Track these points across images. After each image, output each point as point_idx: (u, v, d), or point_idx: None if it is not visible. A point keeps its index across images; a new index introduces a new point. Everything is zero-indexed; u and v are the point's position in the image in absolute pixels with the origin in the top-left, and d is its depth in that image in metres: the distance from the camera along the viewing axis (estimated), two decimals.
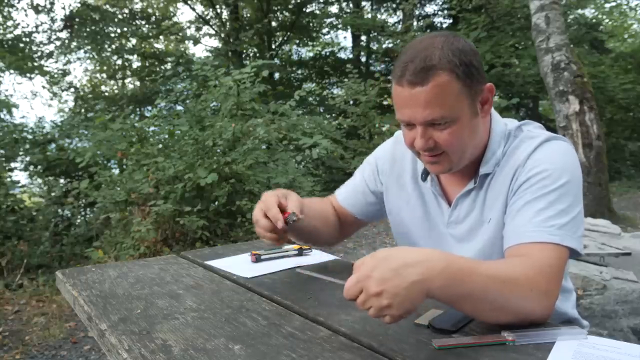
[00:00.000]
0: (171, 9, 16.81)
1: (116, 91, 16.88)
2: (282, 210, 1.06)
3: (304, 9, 16.35)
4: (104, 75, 17.25)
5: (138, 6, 16.31)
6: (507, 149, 1.03)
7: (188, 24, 16.86)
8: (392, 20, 17.12)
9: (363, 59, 16.45)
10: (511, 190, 0.99)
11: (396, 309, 0.72)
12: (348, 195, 1.30)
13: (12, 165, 7.81)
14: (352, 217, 1.30)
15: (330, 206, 1.31)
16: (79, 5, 14.43)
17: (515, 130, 1.06)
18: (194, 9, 16.36)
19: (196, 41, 16.54)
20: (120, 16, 15.32)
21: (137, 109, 14.04)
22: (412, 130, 0.98)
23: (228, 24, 15.89)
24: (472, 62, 0.94)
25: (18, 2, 13.54)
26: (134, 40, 15.92)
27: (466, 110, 0.95)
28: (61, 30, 14.36)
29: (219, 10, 16.24)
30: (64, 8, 22.37)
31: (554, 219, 0.90)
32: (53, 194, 6.84)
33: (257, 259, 1.31)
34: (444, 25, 15.89)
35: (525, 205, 0.94)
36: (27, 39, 13.45)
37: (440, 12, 16.39)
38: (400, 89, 0.94)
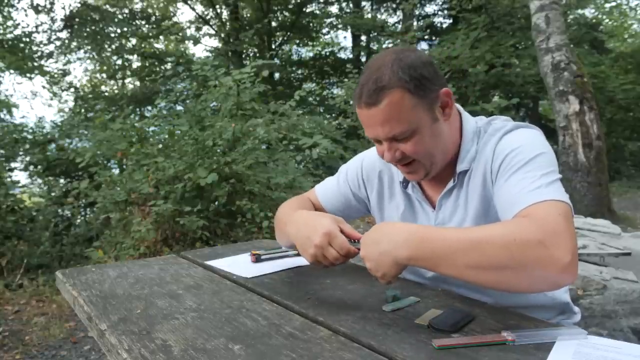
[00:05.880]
0: (171, 9, 16.80)
1: (116, 91, 16.87)
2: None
3: (304, 9, 16.35)
4: (104, 75, 17.25)
5: (138, 6, 16.31)
6: (479, 145, 1.07)
7: (188, 24, 16.88)
8: (392, 20, 17.15)
9: (363, 59, 16.42)
10: (490, 182, 1.02)
11: (375, 271, 0.90)
12: (331, 198, 1.33)
13: (12, 165, 7.82)
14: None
15: (310, 205, 1.33)
16: (79, 5, 14.44)
17: (484, 125, 1.09)
18: (194, 9, 16.37)
19: (196, 41, 16.53)
20: (120, 16, 15.31)
21: (137, 109, 14.03)
22: (381, 144, 1.04)
23: (228, 24, 15.89)
24: (422, 74, 0.97)
25: (18, 2, 13.55)
26: (134, 40, 15.91)
27: (425, 119, 0.99)
28: (61, 30, 14.36)
29: (219, 10, 16.24)
30: (64, 8, 22.41)
31: (538, 181, 0.91)
32: (53, 194, 6.84)
33: (257, 259, 1.31)
34: (444, 26, 15.90)
35: (506, 182, 0.96)
36: (27, 39, 13.45)
37: (440, 12, 16.40)
38: (360, 110, 1.01)
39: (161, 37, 16.66)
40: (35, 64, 13.74)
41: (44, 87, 19.17)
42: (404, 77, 0.95)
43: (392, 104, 0.95)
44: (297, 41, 17.39)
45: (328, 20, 16.75)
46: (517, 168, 0.95)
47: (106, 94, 16.88)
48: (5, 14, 12.90)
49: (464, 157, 1.06)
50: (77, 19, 14.31)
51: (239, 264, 1.30)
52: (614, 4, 17.44)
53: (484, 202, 1.04)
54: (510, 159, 0.97)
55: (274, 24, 16.35)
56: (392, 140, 1.00)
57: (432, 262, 0.84)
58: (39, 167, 7.97)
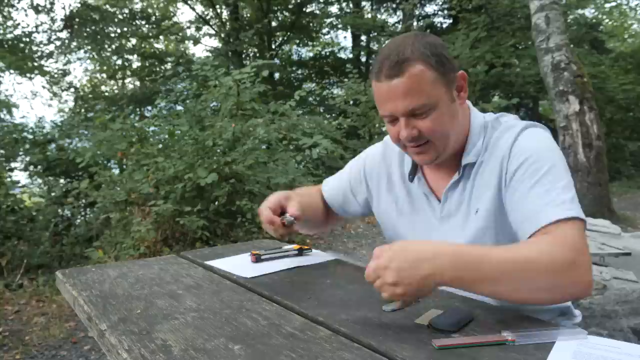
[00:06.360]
0: (171, 9, 16.81)
1: (116, 91, 16.88)
2: (284, 211, 1.20)
3: (304, 9, 16.35)
4: (104, 75, 17.25)
5: (138, 6, 16.30)
6: (487, 139, 1.07)
7: (188, 24, 16.87)
8: (392, 20, 17.14)
9: (363, 59, 16.44)
10: (504, 181, 1.02)
11: (408, 296, 0.84)
12: (332, 191, 1.38)
13: (12, 165, 7.82)
14: (333, 211, 1.39)
15: (319, 198, 1.40)
16: (79, 5, 14.44)
17: (493, 121, 1.10)
18: (194, 9, 16.36)
19: (196, 41, 16.53)
20: (120, 16, 15.31)
21: (137, 109, 14.03)
22: (396, 124, 1.03)
23: (228, 24, 15.89)
24: (442, 53, 1.00)
25: (18, 2, 13.55)
26: (134, 40, 15.93)
27: (444, 97, 1.00)
28: (61, 30, 14.36)
29: (219, 10, 16.23)
30: (64, 8, 22.38)
31: (562, 195, 0.93)
32: (53, 194, 6.83)
33: (257, 259, 1.31)
34: (444, 26, 15.89)
35: (529, 191, 0.96)
36: (27, 39, 13.45)
37: (440, 12, 16.39)
38: (379, 84, 1.00)
39: (161, 37, 16.67)
40: (35, 64, 13.74)
41: (44, 87, 19.18)
42: (425, 51, 0.97)
43: (415, 76, 0.96)
44: (297, 41, 17.39)
45: (328, 20, 16.74)
46: (538, 177, 0.96)
47: (106, 94, 16.88)
48: (5, 14, 12.90)
49: (470, 149, 1.07)
50: (77, 19, 14.30)
51: (239, 264, 1.30)
52: (614, 4, 17.45)
53: (497, 198, 1.03)
54: (529, 164, 0.98)
55: (274, 24, 16.35)
56: (410, 116, 1.00)
57: (473, 283, 0.85)
58: (39, 167, 7.97)
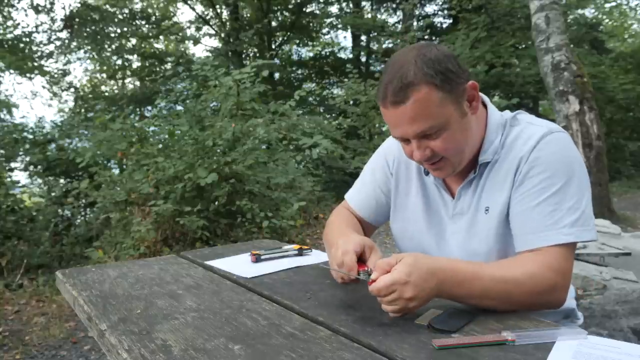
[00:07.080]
0: (171, 9, 16.80)
1: (116, 91, 16.88)
2: (362, 260, 1.00)
3: (304, 9, 16.34)
4: (104, 75, 17.25)
5: (138, 6, 16.29)
6: (505, 138, 1.05)
7: (188, 24, 16.85)
8: (392, 20, 17.11)
9: (363, 59, 16.43)
10: (516, 181, 1.01)
11: (416, 308, 0.86)
12: (361, 202, 1.30)
13: (12, 165, 7.82)
14: (367, 223, 1.31)
15: (356, 220, 1.30)
16: (79, 5, 14.43)
17: (511, 119, 1.08)
18: (194, 9, 16.35)
19: (196, 41, 16.52)
20: (120, 16, 15.30)
21: (137, 109, 14.03)
22: (409, 144, 1.02)
23: (228, 24, 15.88)
24: (447, 67, 0.95)
25: (18, 2, 13.55)
26: (134, 40, 15.92)
27: (453, 114, 0.97)
28: (61, 30, 14.36)
29: (219, 10, 16.22)
30: (64, 8, 22.40)
31: (565, 218, 0.95)
32: (53, 194, 6.84)
33: (257, 259, 1.31)
34: (444, 26, 15.89)
35: (535, 207, 0.96)
36: (27, 39, 13.45)
37: (440, 12, 16.38)
38: (386, 110, 0.98)
39: (161, 37, 16.66)
40: (35, 64, 13.74)
41: (44, 87, 19.19)
42: (429, 72, 0.93)
43: (420, 101, 0.93)
44: (297, 41, 17.37)
45: (328, 20, 16.72)
46: (547, 195, 0.96)
47: (106, 94, 16.88)
48: (5, 14, 12.90)
49: (487, 148, 1.05)
50: (77, 19, 14.30)
51: (239, 264, 1.30)
52: (614, 4, 17.46)
53: (510, 199, 1.02)
54: (544, 178, 0.97)
55: (274, 24, 16.34)
56: (421, 138, 0.98)
57: (467, 298, 0.90)
58: (39, 167, 7.98)
